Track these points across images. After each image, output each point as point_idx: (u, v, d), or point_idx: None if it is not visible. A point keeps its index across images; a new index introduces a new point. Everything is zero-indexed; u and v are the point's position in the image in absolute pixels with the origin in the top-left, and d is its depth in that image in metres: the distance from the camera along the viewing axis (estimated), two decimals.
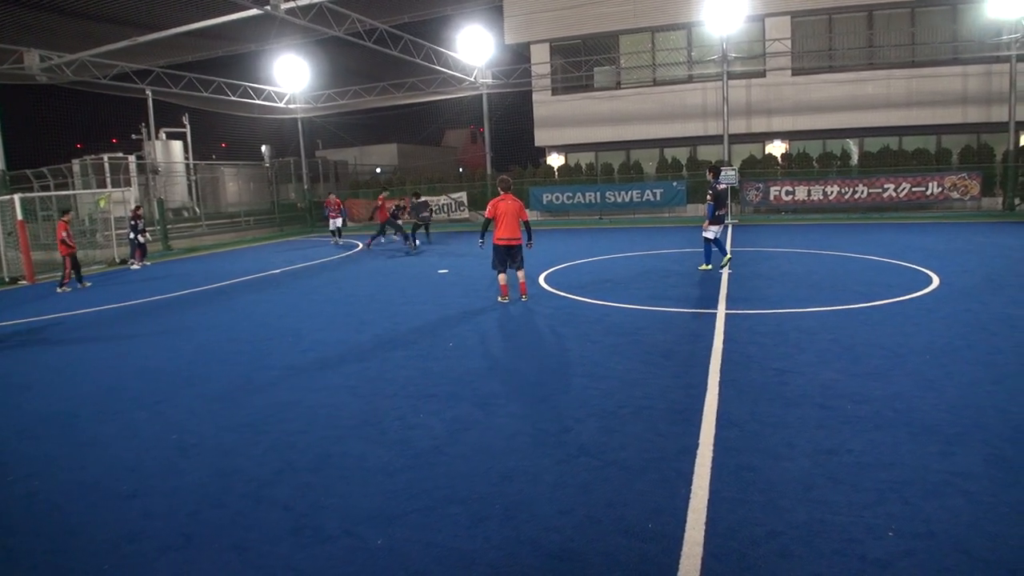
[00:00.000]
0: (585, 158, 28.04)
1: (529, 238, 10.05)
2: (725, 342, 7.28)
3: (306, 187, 31.40)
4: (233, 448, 5.03)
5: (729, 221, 19.87)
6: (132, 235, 17.93)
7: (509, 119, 33.73)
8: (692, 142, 26.29)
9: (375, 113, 34.37)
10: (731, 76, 23.99)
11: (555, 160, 28.53)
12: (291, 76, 26.96)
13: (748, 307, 9.03)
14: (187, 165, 29.76)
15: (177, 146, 29.54)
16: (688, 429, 4.91)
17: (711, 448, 4.55)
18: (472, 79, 26.48)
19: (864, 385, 5.68)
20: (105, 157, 26.27)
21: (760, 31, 24.46)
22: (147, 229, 19.02)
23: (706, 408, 5.31)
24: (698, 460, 4.38)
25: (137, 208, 18.30)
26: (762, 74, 24.83)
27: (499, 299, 10.17)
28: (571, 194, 25.81)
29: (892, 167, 22.61)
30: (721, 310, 8.90)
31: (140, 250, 18.13)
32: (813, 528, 3.50)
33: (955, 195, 21.27)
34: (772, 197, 23.11)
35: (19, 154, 28.50)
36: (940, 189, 21.32)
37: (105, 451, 5.12)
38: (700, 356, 6.80)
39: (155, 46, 21.81)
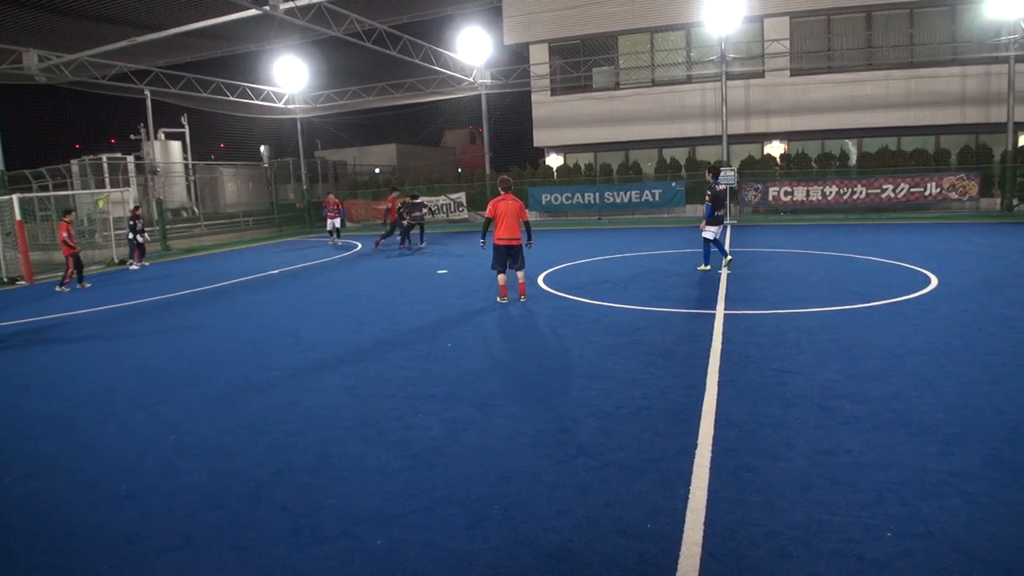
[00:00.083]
0: (584, 158, 28.05)
1: (529, 238, 10.06)
2: (724, 342, 7.29)
3: (305, 187, 31.40)
4: (232, 449, 5.03)
5: (728, 222, 19.88)
6: (131, 235, 17.94)
7: (508, 119, 33.73)
8: (691, 142, 26.30)
9: (374, 113, 34.39)
10: (730, 77, 24.01)
11: (554, 161, 28.55)
12: (290, 76, 26.96)
13: (747, 307, 9.03)
14: (186, 165, 29.73)
15: (176, 146, 29.51)
16: (687, 429, 4.91)
17: (710, 448, 4.55)
18: (471, 79, 26.49)
19: (862, 385, 5.69)
20: (104, 157, 26.24)
21: (759, 32, 24.48)
22: (146, 229, 19.02)
23: (705, 408, 5.31)
24: (697, 460, 4.38)
25: (136, 208, 18.30)
26: (761, 75, 24.85)
27: (498, 299, 10.17)
28: (570, 195, 25.81)
29: (890, 168, 22.63)
30: (720, 310, 8.90)
31: (139, 250, 18.14)
32: (811, 528, 3.50)
33: (953, 196, 21.30)
34: (771, 198, 23.12)
35: (18, 154, 28.51)
36: (938, 190, 21.34)
37: (104, 452, 5.12)
38: (699, 356, 6.80)
39: (154, 46, 21.81)
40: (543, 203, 26.06)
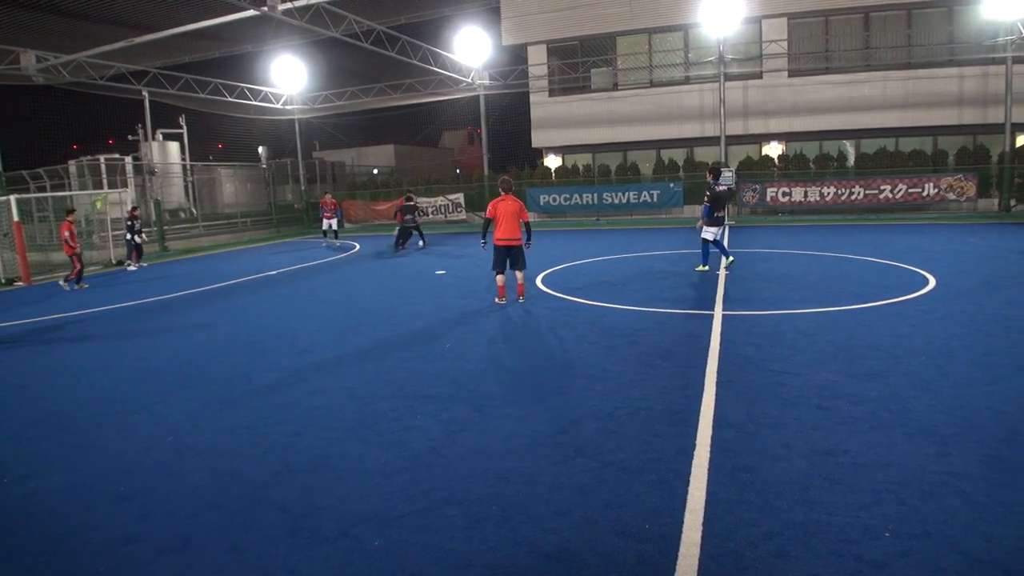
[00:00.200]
0: (582, 159, 28.06)
1: (528, 238, 10.06)
2: (722, 343, 7.30)
3: (303, 188, 31.38)
4: (230, 450, 5.03)
5: (727, 223, 19.88)
6: (129, 236, 17.93)
7: (506, 120, 33.74)
8: (689, 143, 26.31)
9: (372, 114, 34.37)
10: (728, 78, 24.02)
11: (552, 161, 28.55)
12: (288, 77, 26.93)
13: (745, 308, 9.04)
14: (184, 166, 29.73)
15: (174, 147, 29.52)
16: (685, 430, 4.91)
17: (708, 449, 4.55)
18: (469, 80, 26.47)
19: (860, 386, 5.70)
20: (101, 158, 26.22)
21: (757, 33, 24.50)
22: (143, 230, 19.01)
23: (703, 409, 5.32)
24: (695, 461, 4.38)
25: (134, 209, 18.29)
26: (759, 75, 24.86)
27: (496, 300, 10.17)
28: (568, 195, 25.81)
29: (888, 168, 22.64)
30: (718, 311, 8.91)
31: (136, 251, 18.13)
32: (810, 529, 3.51)
33: (951, 196, 21.32)
34: (769, 198, 23.14)
35: (15, 155, 28.53)
36: (936, 190, 21.37)
37: (102, 452, 5.12)
38: (697, 357, 6.81)
39: (152, 47, 21.78)
40: (541, 204, 26.05)
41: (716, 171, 12.57)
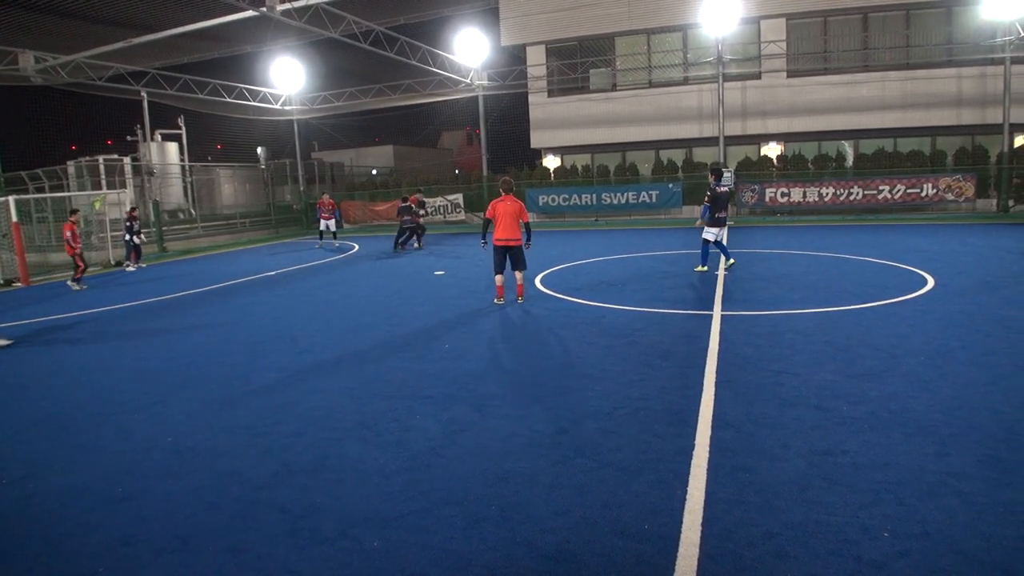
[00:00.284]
0: (581, 160, 28.06)
1: (528, 238, 10.06)
2: (721, 343, 7.30)
3: (302, 189, 31.37)
4: (229, 450, 5.03)
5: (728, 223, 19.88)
6: (127, 237, 17.91)
7: (505, 121, 33.77)
8: (688, 144, 26.32)
9: (371, 115, 34.37)
10: (726, 78, 24.04)
11: (551, 162, 28.56)
12: (287, 78, 26.93)
13: (744, 308, 9.05)
14: (182, 167, 29.71)
15: (172, 148, 29.49)
16: (684, 430, 4.91)
17: (707, 449, 4.56)
18: (468, 81, 26.48)
19: (859, 386, 5.70)
20: (100, 159, 26.19)
21: (755, 33, 24.52)
22: (142, 231, 18.99)
23: (702, 409, 5.32)
24: (694, 461, 4.38)
25: (132, 210, 18.27)
26: (757, 76, 24.87)
27: (494, 301, 10.17)
28: (567, 196, 25.81)
29: (887, 169, 22.66)
30: (717, 311, 8.92)
31: (135, 252, 18.11)
32: (809, 529, 3.51)
33: (950, 197, 21.34)
34: (767, 199, 23.16)
35: (14, 156, 28.53)
36: (935, 191, 21.39)
37: (101, 453, 5.11)
38: (696, 357, 6.81)
39: (150, 47, 21.78)
40: (540, 204, 26.06)
41: (718, 172, 12.58)
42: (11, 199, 16.17)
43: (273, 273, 15.64)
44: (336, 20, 19.13)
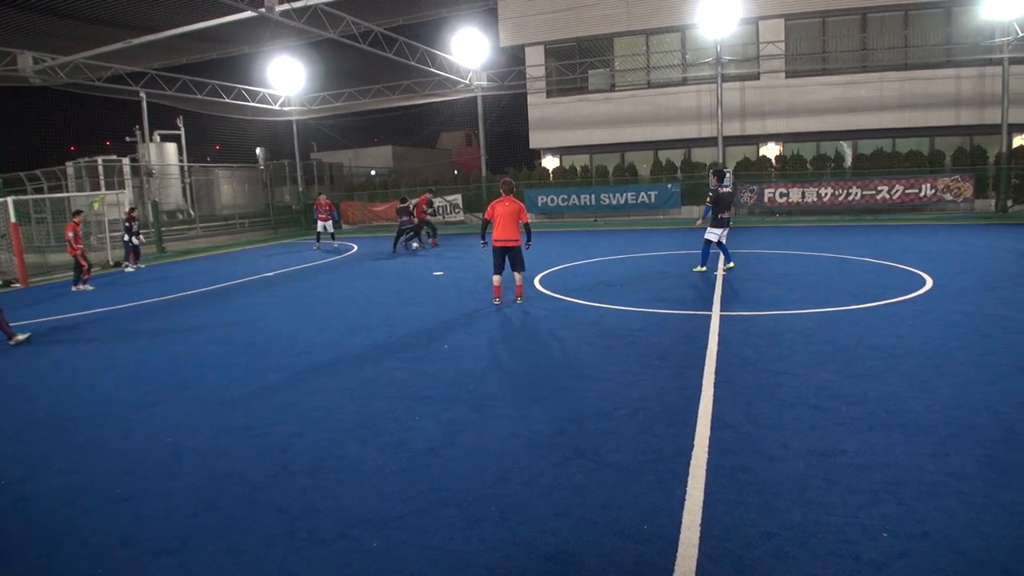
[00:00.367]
0: (580, 160, 28.06)
1: (528, 239, 10.06)
2: (720, 344, 7.30)
3: (301, 189, 31.36)
4: (228, 451, 5.02)
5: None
6: (126, 238, 17.90)
7: (504, 121, 33.72)
8: (686, 144, 26.32)
9: (370, 115, 34.32)
10: (725, 79, 24.04)
11: (550, 162, 28.56)
12: (286, 78, 26.91)
13: (743, 309, 9.05)
14: (181, 167, 29.69)
15: (171, 148, 29.47)
16: (683, 430, 4.91)
17: (706, 450, 4.56)
18: (467, 81, 26.48)
19: (858, 386, 5.70)
20: (99, 159, 26.19)
21: (754, 34, 24.52)
22: (141, 231, 18.98)
23: (701, 409, 5.32)
24: (693, 461, 4.39)
25: (131, 210, 18.25)
26: (756, 76, 24.88)
27: (493, 302, 10.17)
28: (566, 196, 25.82)
29: (885, 169, 22.68)
30: (716, 312, 8.92)
31: (134, 253, 18.10)
32: (808, 529, 3.51)
33: (948, 197, 21.36)
34: (766, 199, 23.17)
35: (13, 156, 28.47)
36: (933, 191, 21.40)
37: (100, 454, 5.11)
38: (695, 358, 6.81)
39: (149, 48, 21.75)
40: (539, 205, 26.06)
41: (720, 173, 12.58)
42: (10, 200, 16.16)
43: (272, 274, 15.63)
44: (335, 21, 19.12)
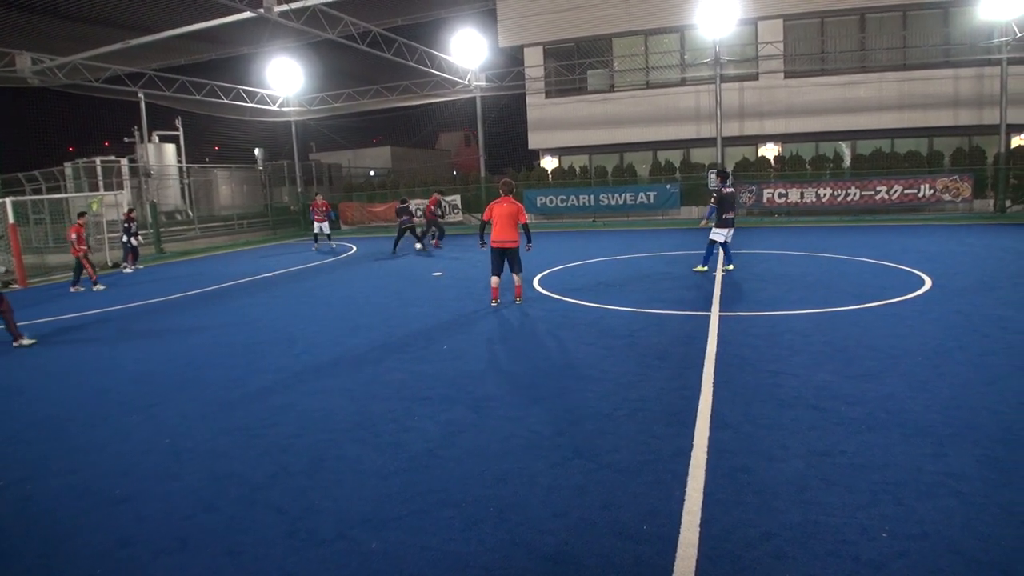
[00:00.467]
0: (579, 161, 28.07)
1: (528, 240, 10.05)
2: (719, 344, 7.31)
3: (299, 190, 31.35)
4: (227, 452, 5.02)
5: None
6: (125, 238, 17.88)
7: (503, 122, 33.76)
8: (685, 145, 26.33)
9: (369, 116, 34.33)
10: (724, 79, 24.05)
11: (549, 163, 28.56)
12: (284, 79, 26.89)
13: (742, 309, 9.05)
14: (180, 168, 29.68)
15: (170, 149, 29.45)
16: (682, 431, 4.92)
17: (705, 450, 4.56)
18: (466, 82, 26.47)
19: (857, 387, 5.70)
20: (97, 160, 26.18)
21: (753, 34, 24.54)
22: (140, 232, 18.97)
23: (700, 410, 5.32)
24: (692, 462, 4.39)
25: (130, 211, 18.25)
26: (755, 77, 24.90)
27: (492, 303, 10.16)
28: (565, 197, 25.83)
29: (884, 169, 22.69)
30: (715, 312, 8.92)
31: (132, 253, 18.09)
32: (807, 529, 3.51)
33: (947, 197, 21.38)
34: (765, 199, 23.18)
35: (11, 157, 28.47)
36: (932, 191, 21.42)
37: (98, 455, 5.10)
38: (694, 358, 6.81)
39: (148, 49, 21.74)
40: (538, 206, 26.07)
41: (724, 174, 12.59)
42: (8, 201, 16.17)
43: (271, 274, 15.63)
44: (333, 21, 19.12)
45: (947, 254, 13.36)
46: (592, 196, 25.49)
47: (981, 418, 4.89)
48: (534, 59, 27.40)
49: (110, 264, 19.04)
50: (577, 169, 27.50)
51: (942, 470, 4.10)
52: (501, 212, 9.76)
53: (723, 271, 12.07)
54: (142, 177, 25.19)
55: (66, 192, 24.58)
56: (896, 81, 23.33)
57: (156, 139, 28.31)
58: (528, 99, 28.01)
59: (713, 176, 21.95)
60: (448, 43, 24.54)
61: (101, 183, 25.12)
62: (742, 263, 13.03)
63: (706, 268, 12.25)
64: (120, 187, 24.61)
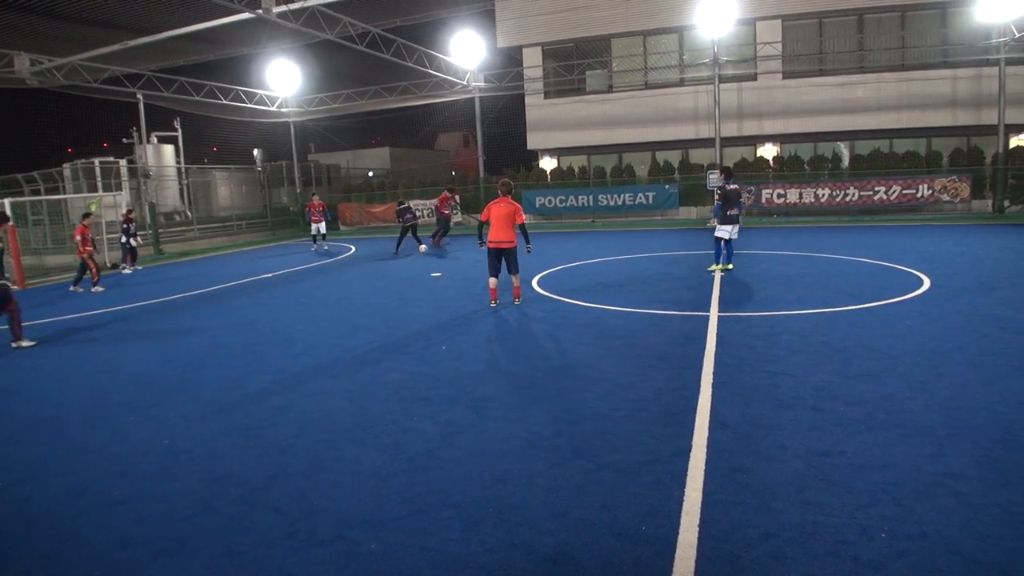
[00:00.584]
0: (577, 161, 28.08)
1: (527, 241, 10.03)
2: (718, 344, 7.31)
3: (298, 191, 31.34)
4: (226, 453, 5.02)
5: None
6: (124, 239, 17.87)
7: (502, 122, 33.74)
8: (684, 145, 26.35)
9: (367, 117, 34.31)
10: (722, 79, 24.07)
11: (547, 163, 28.57)
12: (283, 80, 26.90)
13: (740, 309, 9.06)
14: (179, 169, 29.66)
15: (168, 150, 29.43)
16: (681, 431, 4.92)
17: (704, 450, 4.56)
18: (464, 83, 26.48)
19: (856, 387, 5.71)
20: (96, 161, 26.17)
21: (751, 35, 24.56)
22: (138, 233, 18.95)
23: (699, 410, 5.32)
24: (691, 462, 4.39)
25: (129, 212, 18.23)
26: (753, 77, 24.92)
27: (491, 304, 10.15)
28: (564, 197, 25.84)
29: (883, 170, 22.71)
30: (714, 312, 8.92)
31: (131, 254, 18.07)
32: (806, 530, 3.51)
33: (945, 197, 21.40)
34: (764, 200, 23.20)
35: (9, 158, 28.45)
36: (930, 191, 21.44)
37: (97, 456, 5.10)
38: (693, 358, 6.81)
39: (146, 50, 21.73)
40: (537, 206, 26.08)
41: (727, 171, 12.60)
42: (6, 201, 16.15)
43: (270, 275, 15.62)
44: (332, 22, 19.12)
45: (945, 254, 13.37)
46: (591, 196, 25.50)
47: (980, 418, 4.89)
48: (533, 60, 27.41)
49: (109, 265, 19.01)
50: (576, 169, 27.52)
51: (941, 470, 4.10)
52: (499, 213, 9.76)
53: (722, 271, 12.06)
54: (141, 178, 25.18)
55: (65, 193, 24.57)
56: (894, 81, 23.36)
57: (155, 140, 28.29)
58: (527, 99, 28.01)
59: (713, 177, 22.01)
60: (447, 44, 24.55)
61: (100, 184, 25.10)
62: (741, 263, 13.03)
63: (720, 266, 12.18)
64: (119, 188, 24.59)
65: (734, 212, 12.13)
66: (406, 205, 19.56)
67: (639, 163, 27.05)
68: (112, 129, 31.70)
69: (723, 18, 21.72)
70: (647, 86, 26.56)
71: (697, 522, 3.64)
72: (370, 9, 21.76)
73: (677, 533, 3.55)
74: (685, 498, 3.91)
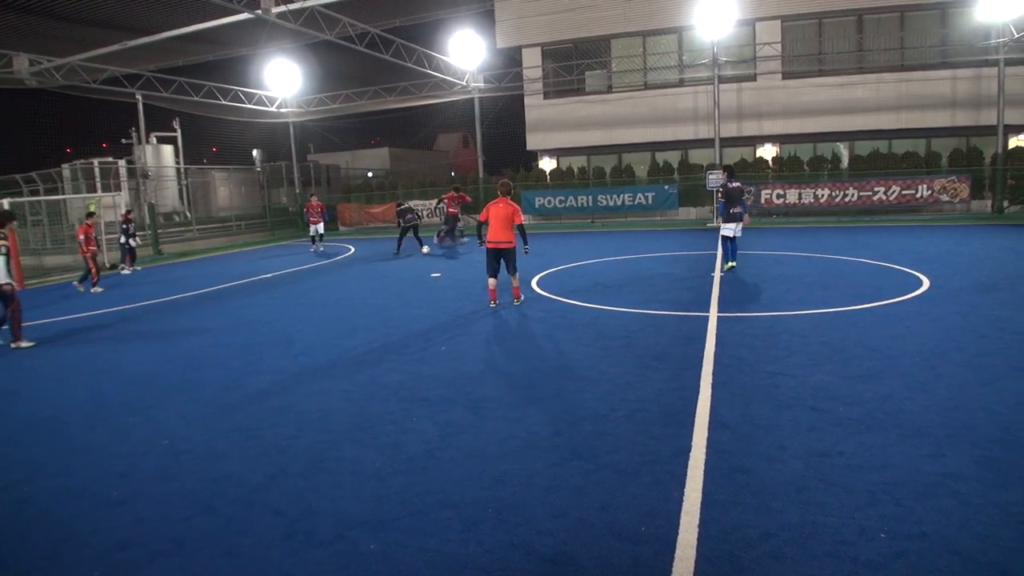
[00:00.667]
0: (577, 162, 28.09)
1: (525, 242, 10.03)
2: (717, 345, 7.31)
3: (297, 191, 31.34)
4: (225, 453, 5.01)
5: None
6: (123, 240, 17.86)
7: (501, 123, 33.75)
8: (683, 145, 26.36)
9: (367, 117, 34.31)
10: (722, 80, 24.08)
11: (547, 164, 28.58)
12: (282, 80, 26.89)
13: (740, 310, 9.06)
14: (178, 169, 29.66)
15: (168, 150, 29.44)
16: (681, 432, 4.92)
17: (704, 450, 4.56)
18: (464, 83, 26.49)
19: (855, 387, 5.71)
20: (95, 162, 26.16)
21: (750, 35, 24.57)
22: (137, 234, 18.94)
23: (699, 411, 5.32)
24: (691, 462, 4.39)
25: (128, 212, 18.22)
26: (753, 78, 24.93)
27: (490, 304, 10.15)
28: (563, 198, 25.85)
29: (882, 170, 22.73)
30: (713, 313, 8.93)
31: (130, 255, 18.06)
32: (806, 530, 3.51)
33: (944, 198, 21.41)
34: (763, 200, 23.20)
35: (8, 158, 28.44)
36: (930, 192, 21.46)
37: (97, 456, 5.09)
38: (692, 359, 6.81)
39: (145, 50, 21.71)
40: (536, 206, 26.09)
41: (730, 170, 12.62)
42: (5, 202, 16.15)
43: (269, 275, 15.61)
44: (332, 22, 19.11)
45: (945, 255, 13.37)
46: (590, 197, 25.51)
47: (978, 419, 4.89)
48: (532, 60, 27.41)
49: (108, 266, 18.99)
50: (575, 170, 27.53)
51: (940, 471, 4.10)
52: (497, 213, 9.76)
53: (721, 271, 12.07)
54: (140, 178, 25.18)
55: (64, 194, 24.56)
56: (894, 82, 23.37)
57: (154, 140, 28.29)
58: (526, 100, 28.02)
59: (712, 177, 22.00)
60: (446, 44, 24.55)
61: (99, 184, 25.09)
62: (741, 264, 13.01)
63: (735, 263, 12.16)
64: (118, 188, 24.58)
65: (737, 210, 12.13)
66: (407, 205, 19.56)
67: (638, 163, 27.06)
68: (111, 129, 31.72)
69: (723, 19, 21.74)
70: (647, 86, 26.57)
71: (696, 522, 3.64)
72: (369, 9, 21.75)
73: (676, 533, 3.55)
74: (684, 498, 3.91)
